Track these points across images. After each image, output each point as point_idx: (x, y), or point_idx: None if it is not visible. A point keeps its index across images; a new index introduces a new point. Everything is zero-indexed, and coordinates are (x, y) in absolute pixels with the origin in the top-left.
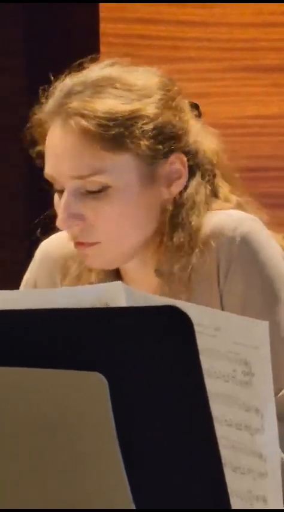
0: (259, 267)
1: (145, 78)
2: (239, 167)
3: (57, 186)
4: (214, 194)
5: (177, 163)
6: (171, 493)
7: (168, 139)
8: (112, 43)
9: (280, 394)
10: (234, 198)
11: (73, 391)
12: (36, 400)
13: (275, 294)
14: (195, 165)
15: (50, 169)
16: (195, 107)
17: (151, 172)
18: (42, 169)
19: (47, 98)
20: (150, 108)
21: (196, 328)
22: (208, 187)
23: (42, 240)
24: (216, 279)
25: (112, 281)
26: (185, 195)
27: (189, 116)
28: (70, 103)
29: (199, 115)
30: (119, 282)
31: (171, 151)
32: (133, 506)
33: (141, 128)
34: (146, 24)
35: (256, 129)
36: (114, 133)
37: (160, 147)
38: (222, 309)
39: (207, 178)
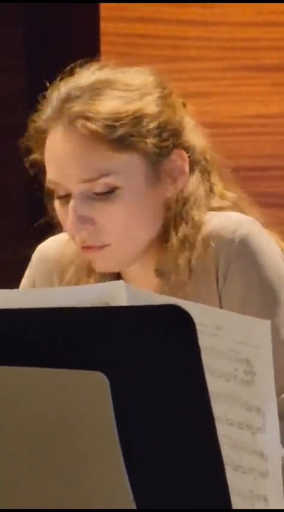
0: (257, 268)
1: (141, 77)
2: (239, 166)
3: (60, 192)
4: (210, 190)
5: (178, 160)
6: (172, 493)
7: (170, 137)
8: (112, 42)
9: (283, 395)
10: (229, 195)
11: (74, 391)
12: (37, 400)
13: (275, 296)
14: (193, 162)
15: (54, 176)
16: (183, 105)
17: (156, 170)
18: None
19: (42, 106)
20: (151, 106)
21: (198, 327)
22: (206, 183)
23: (41, 241)
24: (215, 281)
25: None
26: (187, 191)
27: (183, 112)
28: (72, 107)
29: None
30: (120, 281)
31: (172, 149)
32: (134, 506)
33: (146, 126)
34: (146, 24)
35: (256, 128)
36: (121, 133)
37: (165, 144)
38: None
39: (203, 174)
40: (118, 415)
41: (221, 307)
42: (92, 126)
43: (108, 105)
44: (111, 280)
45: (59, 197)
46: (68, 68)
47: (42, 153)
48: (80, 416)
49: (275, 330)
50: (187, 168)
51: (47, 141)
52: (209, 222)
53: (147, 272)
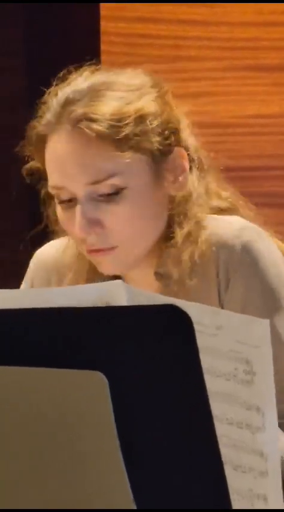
0: (259, 275)
1: (137, 78)
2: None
3: (63, 197)
4: (207, 189)
5: (179, 158)
6: (171, 493)
7: (171, 135)
8: (113, 42)
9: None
10: (224, 193)
11: (74, 391)
12: (36, 400)
13: (276, 302)
14: (190, 160)
15: (58, 180)
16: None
17: (159, 169)
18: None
19: (40, 112)
20: (151, 105)
21: (197, 327)
22: (203, 181)
23: (41, 241)
24: (216, 287)
25: None
26: (188, 189)
27: (179, 111)
28: (74, 110)
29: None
30: (120, 281)
31: (174, 147)
32: (134, 506)
33: (149, 125)
34: (147, 23)
35: (257, 128)
36: (126, 133)
37: (167, 142)
38: None
39: (200, 173)
40: (118, 415)
41: None
42: (98, 127)
43: (111, 105)
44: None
45: (61, 202)
46: (62, 73)
47: (42, 160)
48: (80, 416)
49: (277, 335)
50: (187, 165)
51: (48, 146)
52: (211, 227)
53: (147, 274)
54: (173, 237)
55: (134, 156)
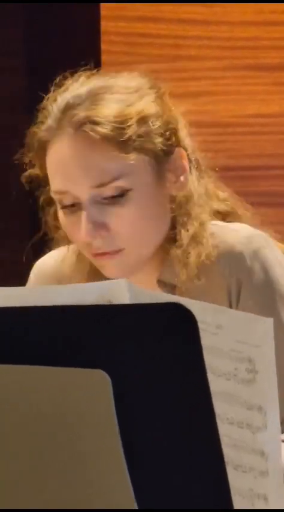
0: (270, 284)
1: (134, 80)
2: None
3: (66, 202)
4: (206, 189)
5: (180, 158)
6: (172, 493)
7: (172, 135)
8: (113, 41)
9: None
10: (221, 194)
11: (76, 389)
12: (37, 399)
13: None
14: (189, 160)
15: (61, 185)
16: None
17: (162, 169)
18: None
19: (40, 118)
20: (152, 106)
21: (200, 325)
22: (201, 181)
23: (41, 242)
24: (227, 298)
25: None
26: (189, 189)
27: (176, 111)
28: (76, 114)
29: None
30: (122, 279)
31: (175, 147)
32: (135, 506)
33: (151, 126)
34: (147, 23)
35: (257, 127)
36: (129, 135)
37: (169, 143)
38: None
39: (199, 173)
40: (119, 414)
41: None
42: (102, 129)
43: (112, 108)
44: None
45: (64, 207)
46: (58, 79)
47: (42, 166)
48: (81, 415)
49: None
50: (187, 166)
51: (50, 151)
52: (218, 234)
53: (151, 278)
54: (177, 239)
55: (138, 157)
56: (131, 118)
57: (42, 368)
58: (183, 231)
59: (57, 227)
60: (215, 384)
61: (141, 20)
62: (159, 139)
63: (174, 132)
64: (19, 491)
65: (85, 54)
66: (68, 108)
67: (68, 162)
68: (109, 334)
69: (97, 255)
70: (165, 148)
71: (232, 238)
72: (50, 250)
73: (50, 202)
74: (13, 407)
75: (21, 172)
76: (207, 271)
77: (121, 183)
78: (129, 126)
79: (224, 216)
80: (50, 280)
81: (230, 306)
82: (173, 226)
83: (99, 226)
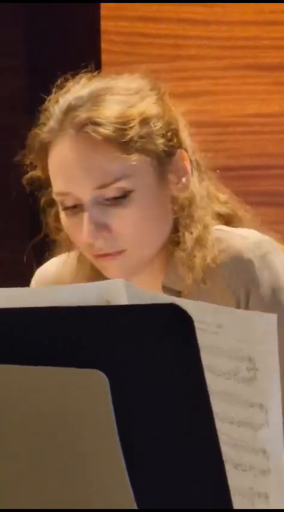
0: (279, 292)
1: (136, 81)
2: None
3: (67, 203)
4: (207, 191)
5: (181, 159)
6: (172, 493)
7: (173, 136)
8: (113, 41)
9: None
10: (222, 196)
11: (74, 389)
12: (36, 399)
13: None
14: (190, 161)
15: (63, 186)
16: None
17: (164, 170)
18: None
19: (42, 120)
20: (153, 107)
21: (199, 325)
22: (203, 183)
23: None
24: (234, 304)
25: None
26: (191, 191)
27: (177, 112)
28: (77, 115)
29: None
30: (120, 279)
31: (176, 148)
32: (135, 506)
33: (153, 127)
34: (147, 23)
35: (257, 127)
36: (131, 136)
37: (170, 144)
38: None
39: (199, 175)
40: (118, 415)
41: None
42: (104, 130)
43: (114, 109)
44: None
45: (66, 208)
46: (59, 81)
47: (44, 168)
48: (80, 416)
49: None
50: (189, 167)
51: (52, 153)
52: (224, 240)
53: (153, 280)
54: (181, 242)
55: (140, 158)
56: (133, 119)
57: (41, 368)
58: (186, 234)
59: (59, 229)
60: (215, 384)
61: (141, 19)
62: (160, 141)
63: (176, 133)
64: (19, 491)
65: (86, 54)
66: (70, 109)
67: (69, 163)
68: (108, 335)
69: (99, 256)
70: (166, 149)
71: (240, 243)
72: (50, 251)
73: (51, 203)
74: (13, 407)
75: (22, 173)
76: (213, 275)
77: (123, 184)
78: (131, 127)
79: (225, 218)
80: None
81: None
82: (176, 228)
83: (101, 227)
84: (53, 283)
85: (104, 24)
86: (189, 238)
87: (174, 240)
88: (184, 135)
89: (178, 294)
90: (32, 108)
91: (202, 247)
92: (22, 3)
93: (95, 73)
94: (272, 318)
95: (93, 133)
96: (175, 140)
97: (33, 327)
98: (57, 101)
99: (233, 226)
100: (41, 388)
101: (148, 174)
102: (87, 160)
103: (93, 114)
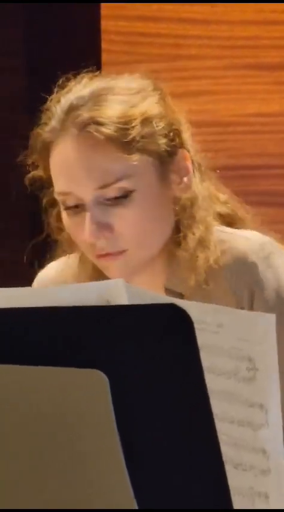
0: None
1: (137, 81)
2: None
3: (69, 203)
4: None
5: (183, 159)
6: (172, 493)
7: (175, 136)
8: (113, 41)
9: None
10: (222, 197)
11: (74, 389)
12: (36, 399)
13: None
14: (192, 162)
15: (65, 185)
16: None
17: (165, 170)
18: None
19: (44, 120)
20: (155, 107)
21: (199, 325)
22: (204, 184)
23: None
24: (236, 306)
25: None
26: (193, 191)
27: (179, 113)
28: (79, 115)
29: None
30: (120, 280)
31: (178, 148)
32: (135, 506)
33: (155, 127)
34: (147, 22)
35: (257, 127)
36: (133, 135)
37: (172, 144)
38: None
39: (201, 175)
40: (118, 415)
41: None
42: (106, 130)
43: (116, 109)
44: None
45: (67, 208)
46: (61, 80)
47: (46, 167)
48: (80, 415)
49: None
50: (191, 167)
51: (54, 152)
52: (227, 242)
53: (154, 280)
54: (183, 242)
55: (141, 158)
56: (135, 119)
57: (41, 368)
58: (189, 235)
59: (60, 229)
60: (215, 383)
61: (142, 19)
62: (162, 140)
63: (178, 133)
64: (19, 491)
65: (86, 54)
66: (72, 109)
67: (71, 163)
68: (108, 335)
69: (100, 256)
70: (168, 149)
71: (242, 245)
72: (51, 251)
73: (53, 204)
74: (13, 407)
75: (22, 173)
76: (215, 277)
77: (124, 184)
78: (133, 127)
79: (226, 219)
80: None
81: None
82: (177, 229)
83: (103, 227)
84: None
85: (104, 24)
86: (191, 239)
87: (175, 241)
88: (186, 135)
89: (181, 296)
90: (32, 108)
91: (205, 248)
92: (22, 3)
93: (97, 73)
94: (271, 318)
95: (95, 133)
96: (177, 140)
97: (33, 327)
98: (58, 101)
99: (234, 227)
100: (41, 388)
101: (149, 174)
102: (88, 160)
103: (95, 113)
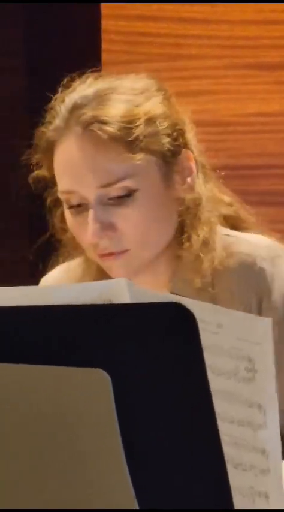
0: None
1: (141, 81)
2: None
3: (73, 202)
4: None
5: (186, 159)
6: (173, 493)
7: (179, 136)
8: (113, 40)
9: None
10: (225, 198)
11: (76, 389)
12: (37, 398)
13: None
14: (196, 163)
15: (69, 184)
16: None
17: (169, 170)
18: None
19: (48, 119)
20: (159, 107)
21: (200, 324)
22: (207, 185)
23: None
24: (243, 310)
25: None
26: (196, 192)
27: (182, 113)
28: (83, 114)
29: None
30: (122, 279)
31: (181, 148)
32: (136, 506)
33: (159, 127)
34: (147, 22)
35: (257, 126)
36: (137, 135)
37: (176, 143)
38: None
39: (205, 176)
40: (119, 414)
41: None
42: (109, 129)
43: (120, 108)
44: None
45: (71, 207)
46: (65, 80)
47: (50, 167)
48: (81, 415)
49: None
50: (194, 167)
51: (58, 151)
52: (234, 245)
53: (157, 280)
54: (187, 243)
55: (145, 157)
56: (139, 118)
57: (42, 367)
58: (193, 236)
59: (64, 229)
60: (216, 383)
61: (142, 19)
62: (166, 140)
63: (181, 133)
64: (19, 491)
65: (86, 54)
66: (76, 108)
67: (75, 161)
68: (110, 334)
69: (103, 255)
70: (172, 148)
71: (248, 249)
72: (53, 251)
73: (57, 204)
74: (13, 407)
75: (22, 173)
76: (221, 281)
77: (128, 183)
78: (136, 126)
79: (231, 221)
80: None
81: None
82: (181, 230)
83: (106, 226)
84: None
85: (104, 24)
86: (195, 240)
87: (179, 242)
88: (190, 135)
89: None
90: (32, 108)
91: (209, 250)
92: (22, 3)
93: (102, 73)
94: (269, 321)
95: (98, 132)
96: (180, 140)
97: (34, 326)
98: (63, 100)
99: (239, 230)
100: (42, 387)
101: (153, 173)
102: (92, 159)
103: (99, 112)
